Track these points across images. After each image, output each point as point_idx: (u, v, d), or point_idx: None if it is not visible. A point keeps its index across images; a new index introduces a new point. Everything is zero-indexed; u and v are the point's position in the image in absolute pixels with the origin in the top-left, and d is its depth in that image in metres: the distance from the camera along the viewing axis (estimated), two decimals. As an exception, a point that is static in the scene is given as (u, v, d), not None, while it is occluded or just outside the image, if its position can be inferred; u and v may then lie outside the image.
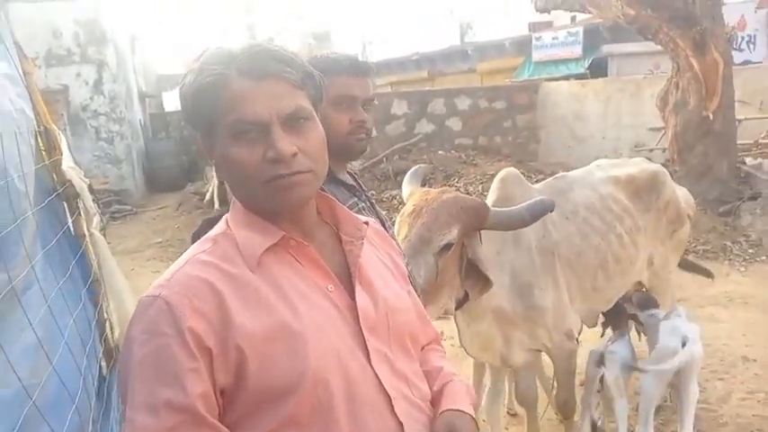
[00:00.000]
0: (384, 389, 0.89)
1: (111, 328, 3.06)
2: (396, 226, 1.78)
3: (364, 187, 1.67)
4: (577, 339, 2.37)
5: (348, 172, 1.63)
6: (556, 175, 2.63)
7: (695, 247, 5.65)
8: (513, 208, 1.88)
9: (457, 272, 1.85)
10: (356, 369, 0.87)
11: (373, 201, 1.65)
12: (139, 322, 0.82)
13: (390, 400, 0.89)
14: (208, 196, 9.21)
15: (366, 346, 0.90)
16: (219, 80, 0.86)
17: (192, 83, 0.88)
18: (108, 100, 10.28)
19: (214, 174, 9.48)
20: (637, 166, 2.75)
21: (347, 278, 0.95)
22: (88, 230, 2.95)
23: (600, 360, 2.29)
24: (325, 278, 0.92)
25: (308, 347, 0.83)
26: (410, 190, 1.98)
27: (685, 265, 3.20)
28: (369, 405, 0.87)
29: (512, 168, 2.40)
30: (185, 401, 0.77)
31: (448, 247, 1.74)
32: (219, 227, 0.95)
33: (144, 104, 12.87)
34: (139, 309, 0.83)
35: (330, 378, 0.84)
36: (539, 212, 1.85)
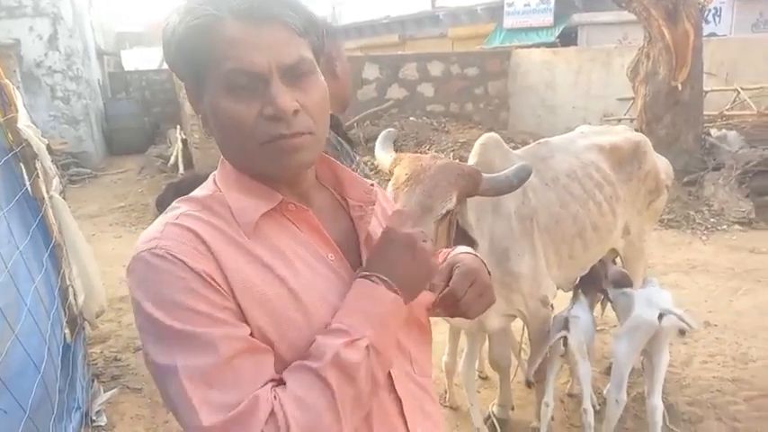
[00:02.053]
0: None
1: (75, 295, 2.95)
2: (389, 194, 1.72)
3: (348, 147, 1.62)
4: (552, 305, 2.39)
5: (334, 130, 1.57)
6: (538, 141, 2.60)
7: (660, 215, 5.79)
8: (501, 173, 1.85)
9: (448, 239, 1.82)
10: None
11: (358, 160, 1.60)
12: (144, 279, 0.73)
13: (391, 375, 0.85)
14: (172, 160, 8.95)
15: None
16: (212, 22, 0.75)
17: (179, 25, 0.77)
18: (64, 56, 9.75)
19: (178, 136, 9.19)
20: (620, 135, 2.74)
21: (348, 246, 0.88)
22: (48, 193, 2.80)
23: (564, 325, 2.33)
24: (326, 246, 0.85)
25: (309, 315, 0.77)
26: (389, 155, 1.91)
27: None
28: None
29: (493, 133, 2.36)
30: (234, 332, 0.71)
31: (447, 213, 1.70)
32: (207, 187, 0.85)
33: (102, 63, 12.30)
34: (137, 266, 0.74)
35: None
36: (524, 177, 1.84)
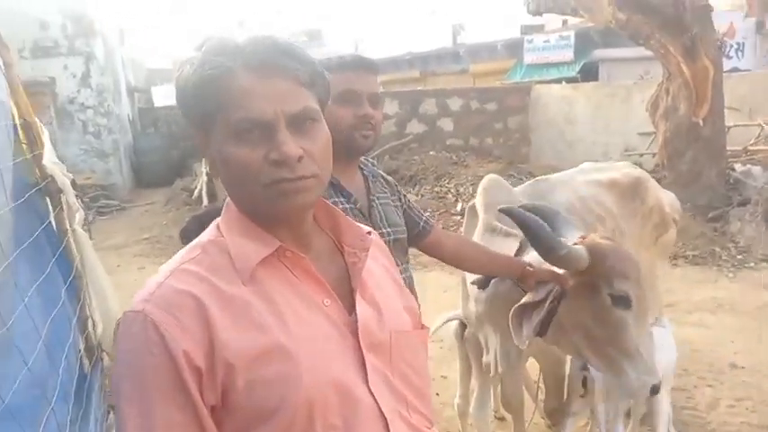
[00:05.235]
0: (381, 411, 0.85)
1: (94, 326, 2.99)
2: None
3: (377, 189, 1.62)
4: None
5: (364, 173, 1.61)
6: (537, 178, 2.61)
7: (684, 252, 5.68)
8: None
9: None
10: (351, 389, 0.83)
11: (379, 203, 1.60)
12: (125, 340, 0.78)
13: (387, 422, 0.85)
14: (196, 193, 9.13)
15: (364, 365, 0.85)
16: (223, 73, 0.80)
17: (192, 74, 0.82)
18: (96, 93, 10.14)
19: (203, 170, 9.39)
20: (620, 171, 2.72)
21: (343, 291, 0.90)
22: (71, 226, 2.88)
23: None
24: (322, 292, 0.87)
25: (300, 367, 0.79)
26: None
27: None
28: (363, 427, 0.83)
29: (492, 175, 2.36)
30: (183, 419, 0.75)
31: None
32: (210, 232, 0.89)
33: (132, 99, 12.72)
34: (124, 325, 0.79)
35: (323, 399, 0.80)
36: None
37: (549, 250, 1.60)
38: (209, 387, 0.76)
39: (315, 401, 0.79)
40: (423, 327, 1.02)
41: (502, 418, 3.04)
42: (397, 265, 1.57)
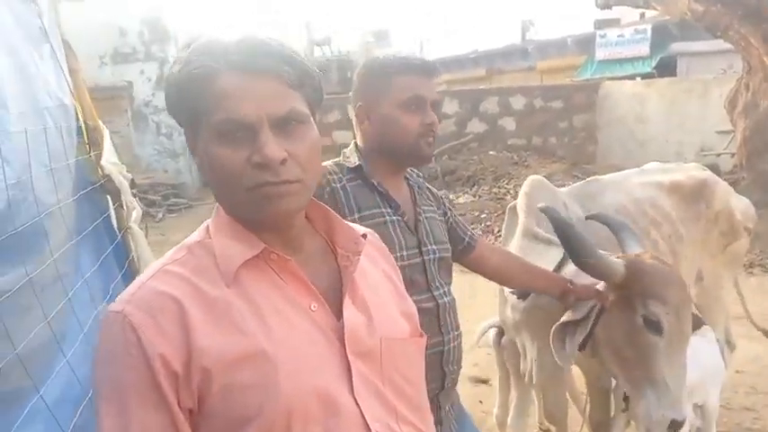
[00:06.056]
0: (366, 422, 0.82)
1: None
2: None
3: (423, 202, 1.54)
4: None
5: (410, 184, 1.55)
6: (588, 179, 2.48)
7: (761, 260, 5.26)
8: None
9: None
10: (335, 398, 0.80)
11: (425, 217, 1.50)
12: (105, 340, 0.79)
13: (370, 430, 0.82)
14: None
15: (351, 373, 0.83)
16: (208, 73, 0.79)
17: (178, 74, 0.81)
18: (169, 96, 10.69)
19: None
20: (685, 173, 2.54)
21: (334, 295, 0.88)
22: (127, 224, 3.04)
23: None
24: (308, 296, 0.85)
25: (279, 373, 0.77)
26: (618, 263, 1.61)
27: None
28: None
29: (536, 176, 2.25)
30: (159, 420, 0.75)
31: None
32: (198, 233, 0.89)
33: (204, 101, 13.33)
34: (105, 325, 0.79)
35: (303, 407, 0.78)
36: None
37: (579, 255, 1.54)
38: (185, 391, 0.76)
39: (294, 409, 0.77)
40: (420, 335, 0.98)
41: (547, 430, 2.93)
42: (441, 287, 1.48)
